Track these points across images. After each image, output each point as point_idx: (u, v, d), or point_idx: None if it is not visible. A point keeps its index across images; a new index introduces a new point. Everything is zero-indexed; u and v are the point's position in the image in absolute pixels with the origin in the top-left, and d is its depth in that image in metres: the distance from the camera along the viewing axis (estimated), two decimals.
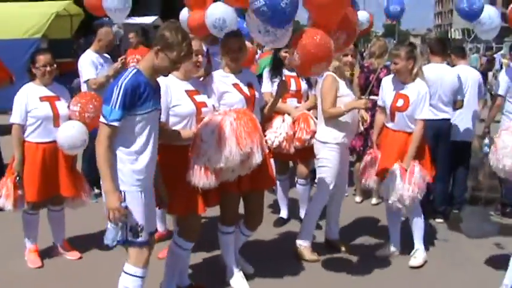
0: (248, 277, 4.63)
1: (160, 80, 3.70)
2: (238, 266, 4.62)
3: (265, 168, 4.41)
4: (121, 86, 3.29)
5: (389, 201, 4.88)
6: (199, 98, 4.15)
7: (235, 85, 4.36)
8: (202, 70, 4.46)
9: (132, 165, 3.43)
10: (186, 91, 4.10)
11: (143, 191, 3.48)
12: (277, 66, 5.68)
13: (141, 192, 3.47)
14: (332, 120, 5.01)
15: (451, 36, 57.96)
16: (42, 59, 4.70)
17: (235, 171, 4.05)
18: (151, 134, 3.49)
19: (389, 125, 5.07)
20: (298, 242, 5.21)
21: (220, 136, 3.90)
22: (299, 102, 5.73)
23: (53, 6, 13.07)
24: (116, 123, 3.31)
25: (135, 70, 3.41)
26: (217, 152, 3.88)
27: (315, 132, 5.32)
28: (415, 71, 4.94)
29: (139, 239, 3.47)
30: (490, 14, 5.96)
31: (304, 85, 5.73)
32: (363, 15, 7.38)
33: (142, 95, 3.35)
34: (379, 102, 5.27)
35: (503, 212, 6.75)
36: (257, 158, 4.05)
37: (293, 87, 5.65)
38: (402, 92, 4.95)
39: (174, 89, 4.04)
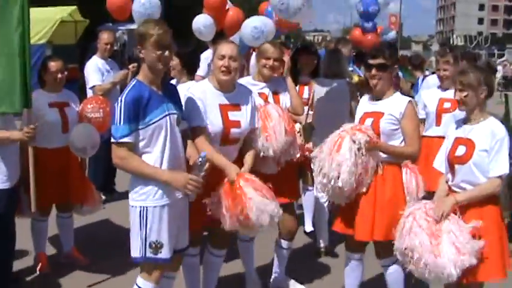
0: None
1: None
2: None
3: (292, 180, 4.30)
4: (121, 101, 3.18)
5: None
6: (234, 115, 3.77)
7: (261, 94, 4.18)
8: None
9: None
10: (219, 105, 3.75)
11: (166, 205, 3.29)
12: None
13: (162, 207, 3.28)
14: None
15: (453, 43, 58.05)
16: (54, 65, 4.70)
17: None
18: (166, 142, 3.30)
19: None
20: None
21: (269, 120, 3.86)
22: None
23: (58, 13, 13.09)
24: (125, 139, 3.17)
25: (134, 81, 3.33)
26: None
27: None
28: None
29: (158, 256, 3.29)
30: None
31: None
32: None
33: (147, 105, 3.22)
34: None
35: None
36: (295, 152, 4.06)
37: (305, 94, 5.31)
38: None
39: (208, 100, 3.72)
